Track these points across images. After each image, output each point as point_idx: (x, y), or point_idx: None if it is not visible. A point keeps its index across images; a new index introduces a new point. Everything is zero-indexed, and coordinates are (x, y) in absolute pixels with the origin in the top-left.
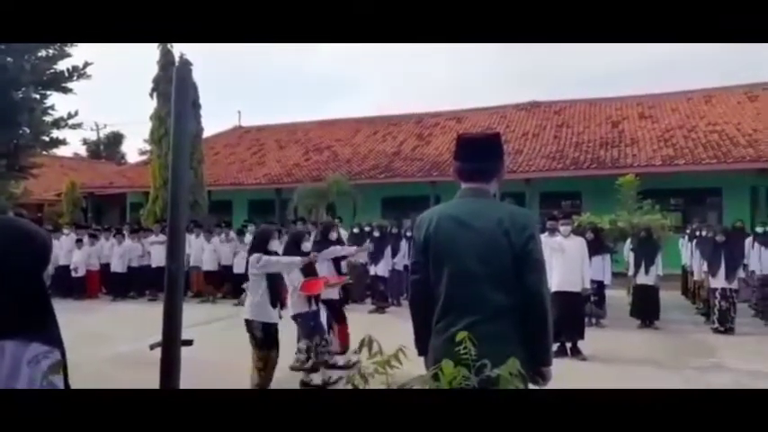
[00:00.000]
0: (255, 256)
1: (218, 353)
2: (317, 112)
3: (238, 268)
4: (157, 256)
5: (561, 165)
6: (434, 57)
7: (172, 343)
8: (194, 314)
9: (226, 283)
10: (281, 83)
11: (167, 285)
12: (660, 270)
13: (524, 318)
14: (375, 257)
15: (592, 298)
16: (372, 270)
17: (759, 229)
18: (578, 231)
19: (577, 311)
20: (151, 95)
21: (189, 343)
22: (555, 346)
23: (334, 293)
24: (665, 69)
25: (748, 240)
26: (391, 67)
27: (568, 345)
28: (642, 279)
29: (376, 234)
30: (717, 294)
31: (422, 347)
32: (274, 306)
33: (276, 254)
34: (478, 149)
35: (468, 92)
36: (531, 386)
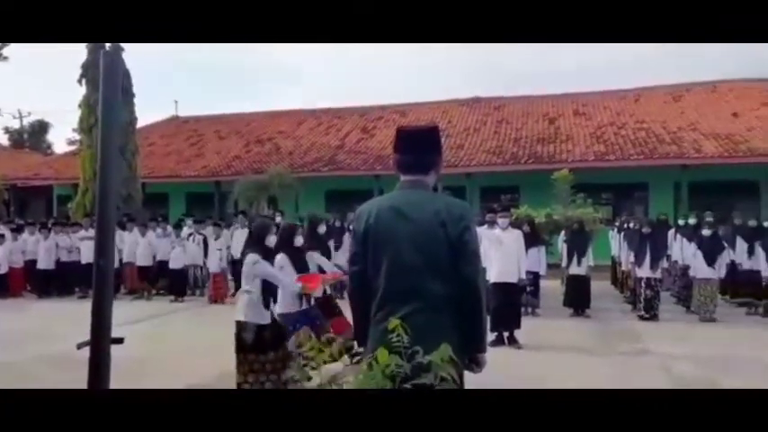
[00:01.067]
0: (252, 256)
1: (151, 351)
2: (258, 102)
3: (175, 263)
4: (87, 252)
5: (501, 159)
6: (380, 50)
7: (101, 341)
8: (127, 312)
9: (161, 279)
10: (221, 72)
11: (96, 281)
12: (591, 261)
13: (460, 307)
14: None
15: (528, 288)
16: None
17: (681, 222)
18: (515, 224)
19: (514, 301)
20: (80, 82)
21: (119, 341)
22: (493, 336)
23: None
24: (599, 68)
25: (671, 232)
26: (337, 59)
27: (506, 334)
28: (575, 270)
29: (320, 229)
30: (642, 283)
31: (361, 338)
32: (267, 307)
33: (273, 250)
34: (417, 142)
35: (412, 86)
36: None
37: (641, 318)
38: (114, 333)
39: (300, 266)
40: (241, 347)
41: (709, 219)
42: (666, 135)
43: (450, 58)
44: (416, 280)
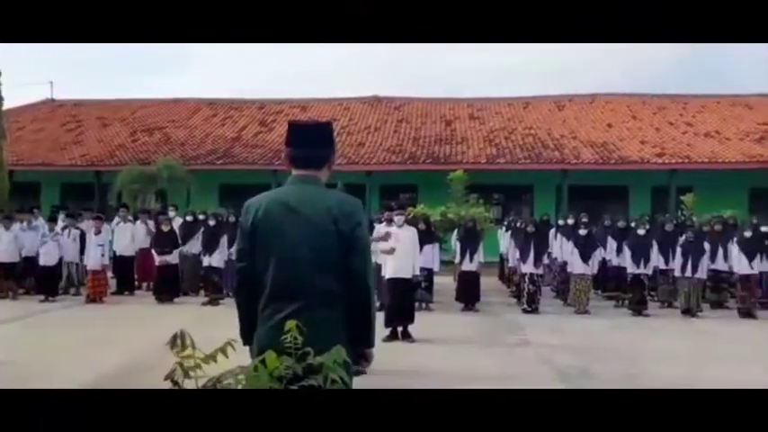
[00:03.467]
0: None
1: (15, 354)
2: (147, 89)
3: (46, 260)
4: None
5: (400, 159)
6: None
7: None
8: None
9: (29, 278)
10: (105, 53)
11: None
12: (482, 258)
13: (350, 302)
14: (209, 247)
15: (422, 284)
16: (206, 261)
17: (561, 222)
18: (412, 222)
19: (409, 297)
20: None
21: None
22: (388, 330)
23: None
24: (493, 75)
25: (552, 231)
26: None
27: (399, 329)
28: (467, 266)
29: (211, 223)
30: (526, 279)
31: (247, 337)
32: None
33: None
34: (310, 137)
35: (312, 82)
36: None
37: (524, 311)
38: None
39: None
40: None
41: (585, 219)
42: (550, 141)
43: (350, 55)
44: (305, 276)
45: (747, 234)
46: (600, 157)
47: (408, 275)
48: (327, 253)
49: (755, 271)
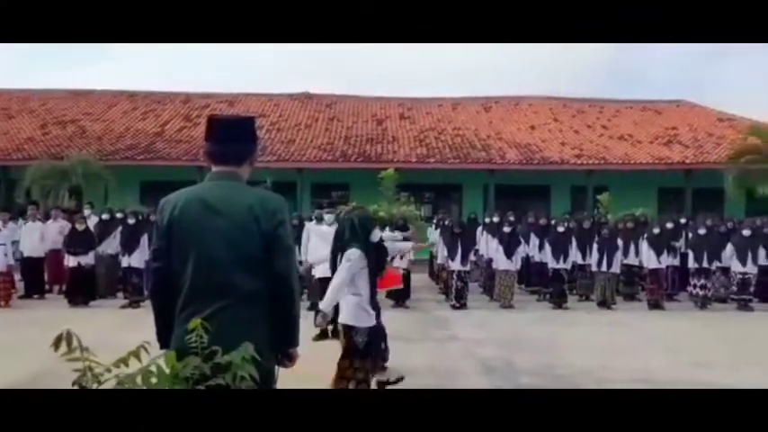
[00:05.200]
0: (355, 252)
1: None
2: (60, 79)
3: None
4: None
5: (331, 156)
6: None
7: None
8: None
9: None
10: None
11: None
12: (412, 255)
13: (273, 302)
14: (129, 247)
15: None
16: (125, 261)
17: (487, 220)
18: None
19: None
20: None
21: None
22: (318, 329)
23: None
24: (424, 75)
25: (479, 229)
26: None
27: (330, 327)
28: (397, 263)
29: (130, 221)
30: (454, 276)
31: (164, 340)
32: (375, 308)
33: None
34: (231, 132)
35: (240, 76)
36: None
37: (453, 307)
38: None
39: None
40: (351, 353)
41: (511, 218)
42: (478, 142)
43: (279, 51)
44: (225, 276)
45: (656, 231)
46: (524, 157)
47: None
48: (248, 252)
49: (663, 265)
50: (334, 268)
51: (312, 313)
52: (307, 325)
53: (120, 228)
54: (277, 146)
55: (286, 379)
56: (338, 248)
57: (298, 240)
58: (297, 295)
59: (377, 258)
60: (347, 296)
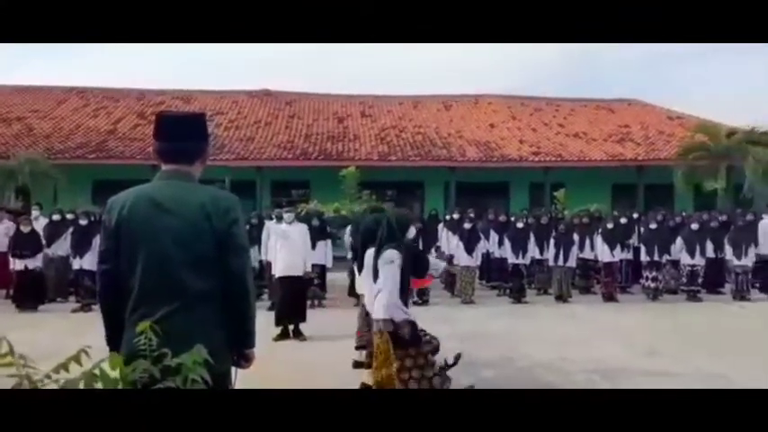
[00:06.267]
0: (393, 253)
1: None
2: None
3: None
4: None
5: (292, 155)
6: None
7: None
8: None
9: None
10: None
11: None
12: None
13: (227, 302)
14: (81, 249)
15: (315, 281)
16: (77, 263)
17: (448, 217)
18: (305, 218)
19: (300, 295)
20: None
21: None
22: (279, 329)
23: None
24: (383, 74)
25: (441, 225)
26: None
27: (291, 327)
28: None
29: (82, 222)
30: None
31: (114, 344)
32: (405, 304)
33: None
34: (181, 129)
35: (196, 73)
36: (234, 369)
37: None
38: None
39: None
40: (400, 344)
41: (471, 215)
42: (438, 140)
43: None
44: (176, 276)
45: (609, 226)
46: (483, 155)
47: (299, 273)
48: (200, 251)
49: (616, 259)
50: (360, 265)
51: (272, 313)
52: (266, 325)
53: (71, 229)
54: (235, 144)
55: (245, 381)
56: (364, 247)
57: (258, 239)
58: (252, 295)
59: (418, 264)
60: (380, 293)
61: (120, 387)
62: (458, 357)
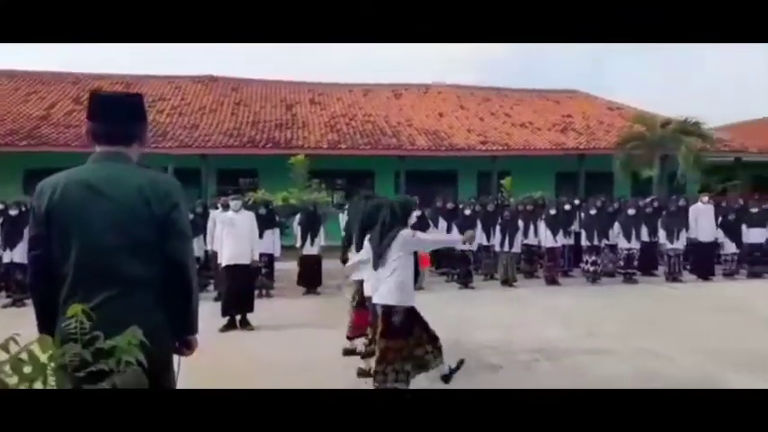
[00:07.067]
0: (409, 231)
1: None
2: None
3: None
4: None
5: (238, 142)
6: None
7: None
8: None
9: None
10: None
11: None
12: (323, 242)
13: (168, 288)
14: (11, 241)
15: (263, 270)
16: (7, 256)
17: None
18: (252, 207)
19: (247, 284)
20: None
21: None
22: (225, 320)
23: None
24: (335, 62)
25: None
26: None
27: (238, 317)
28: (308, 250)
29: (12, 212)
30: None
31: (48, 333)
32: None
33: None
34: (117, 109)
35: (138, 57)
36: (177, 357)
37: None
38: None
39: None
40: (388, 333)
41: (417, 202)
42: (388, 128)
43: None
44: (113, 263)
45: (552, 212)
46: (433, 144)
47: (246, 261)
48: (139, 237)
49: (559, 244)
50: (359, 251)
51: (218, 304)
52: (212, 315)
53: (0, 220)
54: (179, 131)
55: (193, 374)
56: (363, 233)
57: (203, 229)
58: (194, 281)
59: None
60: (389, 278)
61: (50, 371)
62: (460, 363)
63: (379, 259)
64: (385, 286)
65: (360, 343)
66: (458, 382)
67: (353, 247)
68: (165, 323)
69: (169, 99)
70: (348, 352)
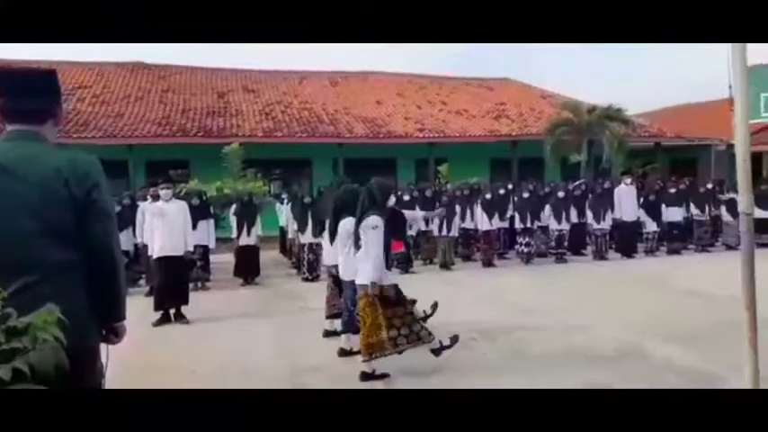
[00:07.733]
0: (376, 219)
1: None
2: None
3: None
4: None
5: (168, 131)
6: None
7: None
8: None
9: None
10: None
11: None
12: (260, 231)
13: (92, 273)
14: None
15: (198, 263)
16: None
17: None
18: (185, 198)
19: (181, 276)
20: None
21: None
22: (159, 314)
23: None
24: (266, 48)
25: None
26: None
27: (172, 311)
28: (244, 240)
29: None
30: (306, 249)
31: None
32: (389, 269)
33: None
34: (29, 85)
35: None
36: (104, 346)
37: (305, 279)
38: None
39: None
40: (386, 304)
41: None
42: (326, 116)
43: None
44: (29, 249)
45: (487, 197)
46: (371, 131)
47: (179, 253)
48: (57, 220)
49: (494, 227)
50: (333, 236)
51: (151, 299)
52: (145, 309)
53: None
54: (102, 120)
55: (125, 367)
56: (337, 217)
57: (131, 221)
58: (119, 263)
59: (397, 225)
60: (365, 261)
61: None
62: (454, 339)
63: (356, 241)
64: (362, 269)
65: (339, 323)
66: (399, 361)
67: (326, 234)
68: (89, 308)
69: (90, 86)
70: (329, 333)
